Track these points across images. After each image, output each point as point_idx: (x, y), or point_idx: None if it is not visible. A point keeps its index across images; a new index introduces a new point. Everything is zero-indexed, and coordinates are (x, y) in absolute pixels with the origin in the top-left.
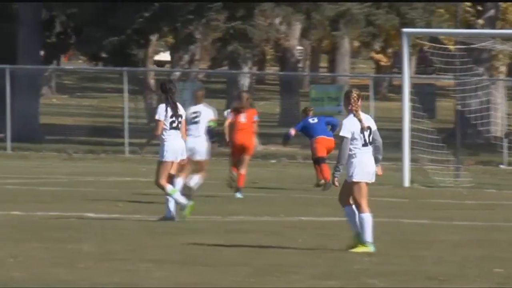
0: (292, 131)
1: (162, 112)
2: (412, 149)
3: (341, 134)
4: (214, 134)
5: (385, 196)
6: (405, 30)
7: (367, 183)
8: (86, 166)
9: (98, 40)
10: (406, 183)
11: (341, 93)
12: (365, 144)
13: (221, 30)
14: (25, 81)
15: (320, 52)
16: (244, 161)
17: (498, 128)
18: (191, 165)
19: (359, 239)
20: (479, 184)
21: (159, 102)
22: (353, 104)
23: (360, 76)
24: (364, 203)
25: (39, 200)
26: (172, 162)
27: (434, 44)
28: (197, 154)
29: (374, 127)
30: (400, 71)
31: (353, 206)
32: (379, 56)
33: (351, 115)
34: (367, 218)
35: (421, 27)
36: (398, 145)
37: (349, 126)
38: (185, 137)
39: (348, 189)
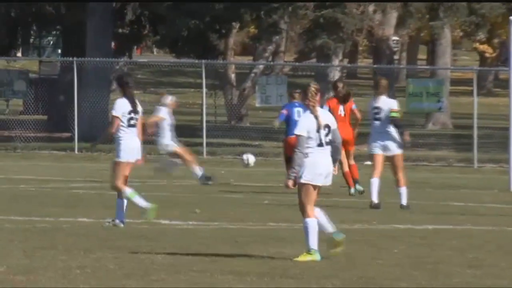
0: (277, 123)
1: (120, 108)
2: None
3: (295, 132)
4: (400, 125)
5: (489, 202)
6: None
7: (316, 187)
8: None
9: (175, 25)
10: None
11: (442, 88)
12: (320, 144)
13: (309, 19)
14: (94, 75)
15: (418, 43)
16: (350, 154)
17: None
18: (384, 163)
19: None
20: None
21: (241, 98)
22: (311, 99)
23: (463, 69)
24: (309, 207)
25: (109, 206)
26: (129, 163)
27: None
28: (389, 151)
29: (333, 125)
30: (507, 63)
31: (316, 220)
32: (484, 47)
33: (308, 112)
34: (312, 223)
35: None
36: (504, 145)
37: (305, 124)
38: (142, 136)
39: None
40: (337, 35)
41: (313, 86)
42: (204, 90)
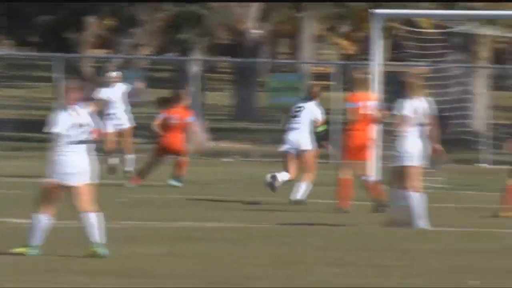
0: None
1: None
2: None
3: (53, 130)
4: (323, 138)
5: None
6: (376, 11)
7: (66, 186)
8: (12, 165)
9: (28, 19)
10: None
11: (301, 83)
12: (74, 142)
13: (170, 13)
14: None
15: (280, 37)
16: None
17: (477, 121)
18: (295, 160)
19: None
20: (456, 185)
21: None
22: (66, 97)
23: (323, 63)
24: (43, 206)
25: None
26: None
27: (408, 28)
28: (301, 145)
29: (92, 125)
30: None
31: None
32: (345, 43)
33: (63, 110)
34: (42, 220)
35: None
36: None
37: (60, 121)
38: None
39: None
40: (198, 29)
41: (69, 85)
42: (62, 84)
